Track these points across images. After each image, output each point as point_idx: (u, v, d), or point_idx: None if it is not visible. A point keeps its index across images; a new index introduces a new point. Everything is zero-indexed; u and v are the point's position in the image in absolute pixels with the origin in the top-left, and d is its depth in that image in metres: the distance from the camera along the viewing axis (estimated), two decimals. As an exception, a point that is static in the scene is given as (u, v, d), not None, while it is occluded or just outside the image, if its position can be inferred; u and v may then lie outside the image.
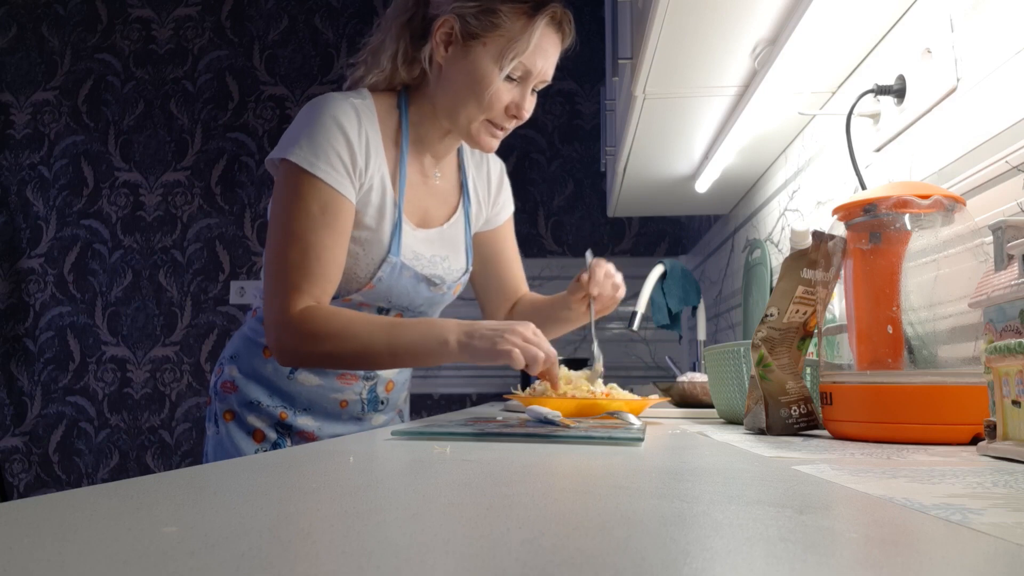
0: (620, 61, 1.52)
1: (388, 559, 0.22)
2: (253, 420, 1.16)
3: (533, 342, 0.97)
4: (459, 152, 1.24)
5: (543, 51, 1.06)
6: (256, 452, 1.14)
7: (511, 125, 1.10)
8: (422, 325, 1.01)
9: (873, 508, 0.33)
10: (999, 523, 0.28)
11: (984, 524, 0.28)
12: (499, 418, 0.92)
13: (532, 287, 1.41)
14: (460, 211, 1.22)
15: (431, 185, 1.18)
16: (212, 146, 3.45)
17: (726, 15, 1.07)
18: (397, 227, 1.09)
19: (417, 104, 1.13)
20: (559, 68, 1.12)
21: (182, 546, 0.23)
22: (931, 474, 0.43)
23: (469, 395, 3.27)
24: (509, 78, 1.05)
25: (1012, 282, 0.51)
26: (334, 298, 1.08)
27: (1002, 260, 0.54)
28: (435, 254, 1.16)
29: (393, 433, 0.69)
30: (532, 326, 0.99)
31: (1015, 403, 0.50)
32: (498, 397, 3.12)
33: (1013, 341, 0.50)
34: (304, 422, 1.17)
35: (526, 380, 2.57)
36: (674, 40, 1.14)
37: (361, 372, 1.18)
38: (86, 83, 3.52)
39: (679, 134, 1.59)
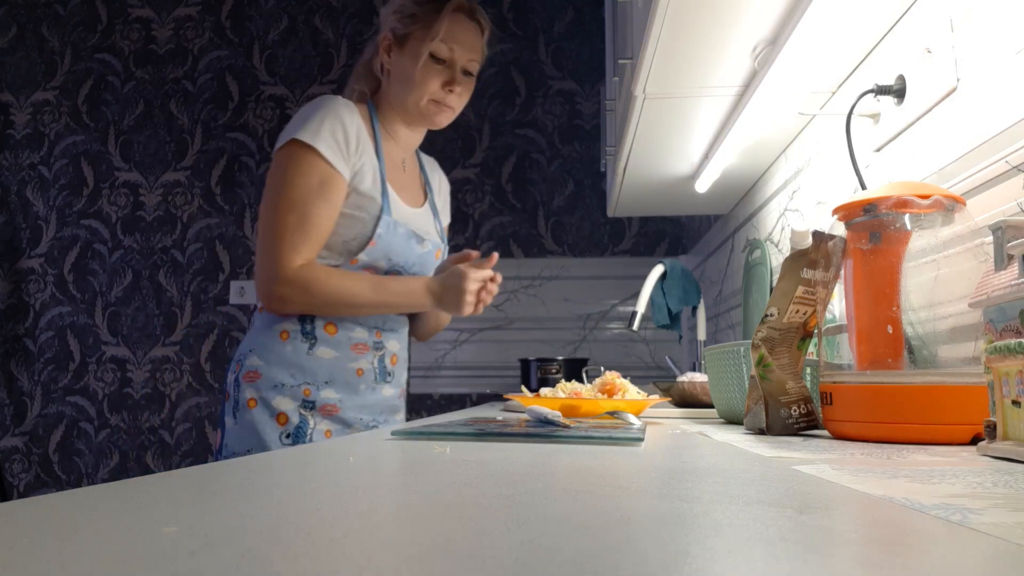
0: (620, 61, 1.52)
1: (388, 559, 0.22)
2: (279, 403, 1.24)
3: (474, 291, 1.26)
4: (417, 156, 1.48)
5: (455, 35, 1.29)
6: (279, 436, 1.23)
7: (451, 100, 1.32)
8: (402, 291, 1.26)
9: (873, 508, 0.33)
10: (999, 523, 0.28)
11: (984, 524, 0.28)
12: (499, 418, 0.92)
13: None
14: (428, 203, 1.44)
15: (404, 175, 1.39)
16: (212, 146, 3.45)
17: (726, 15, 1.07)
18: (385, 195, 1.30)
19: (381, 107, 1.38)
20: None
21: (182, 546, 0.23)
22: (931, 474, 0.43)
23: (469, 395, 3.27)
24: (437, 60, 1.29)
25: (1012, 282, 0.51)
26: (343, 263, 1.28)
27: (1002, 260, 0.54)
28: (418, 227, 1.37)
29: (393, 433, 0.69)
30: (471, 277, 1.25)
31: (1015, 403, 0.50)
32: (498, 397, 3.11)
33: (1013, 341, 0.50)
34: (327, 395, 1.27)
35: (527, 380, 2.57)
36: (674, 40, 1.14)
37: (371, 343, 1.33)
38: (86, 83, 3.52)
39: (679, 134, 1.59)
